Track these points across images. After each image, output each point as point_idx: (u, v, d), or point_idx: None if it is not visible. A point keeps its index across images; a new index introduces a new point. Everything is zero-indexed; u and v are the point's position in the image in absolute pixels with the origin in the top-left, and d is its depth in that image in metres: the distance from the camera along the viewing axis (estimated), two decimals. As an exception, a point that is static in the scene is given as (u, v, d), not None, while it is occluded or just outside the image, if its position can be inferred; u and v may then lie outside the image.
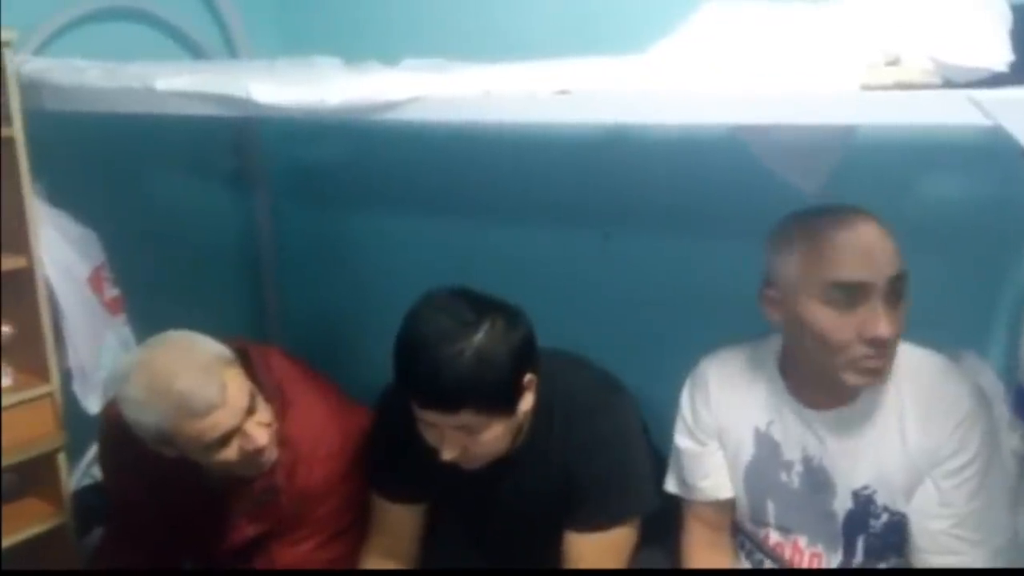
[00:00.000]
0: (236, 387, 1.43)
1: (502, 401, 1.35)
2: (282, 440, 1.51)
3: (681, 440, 1.48)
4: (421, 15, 1.96)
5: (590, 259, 1.84)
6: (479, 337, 1.31)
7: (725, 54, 1.25)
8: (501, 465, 1.43)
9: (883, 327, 1.21)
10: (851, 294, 1.23)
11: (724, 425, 1.44)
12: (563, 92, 1.24)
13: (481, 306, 1.35)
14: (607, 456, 1.43)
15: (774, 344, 1.41)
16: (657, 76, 1.22)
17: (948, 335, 1.47)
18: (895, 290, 1.23)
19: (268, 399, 1.51)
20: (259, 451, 1.46)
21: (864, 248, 1.23)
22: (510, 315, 1.36)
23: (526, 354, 1.37)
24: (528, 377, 1.38)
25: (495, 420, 1.35)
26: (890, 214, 1.44)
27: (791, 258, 1.29)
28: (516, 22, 1.81)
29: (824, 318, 1.25)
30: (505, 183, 1.84)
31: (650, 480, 1.48)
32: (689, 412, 1.47)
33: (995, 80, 1.10)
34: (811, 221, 1.29)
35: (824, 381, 1.32)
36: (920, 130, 1.25)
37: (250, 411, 1.45)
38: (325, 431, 1.55)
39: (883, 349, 1.23)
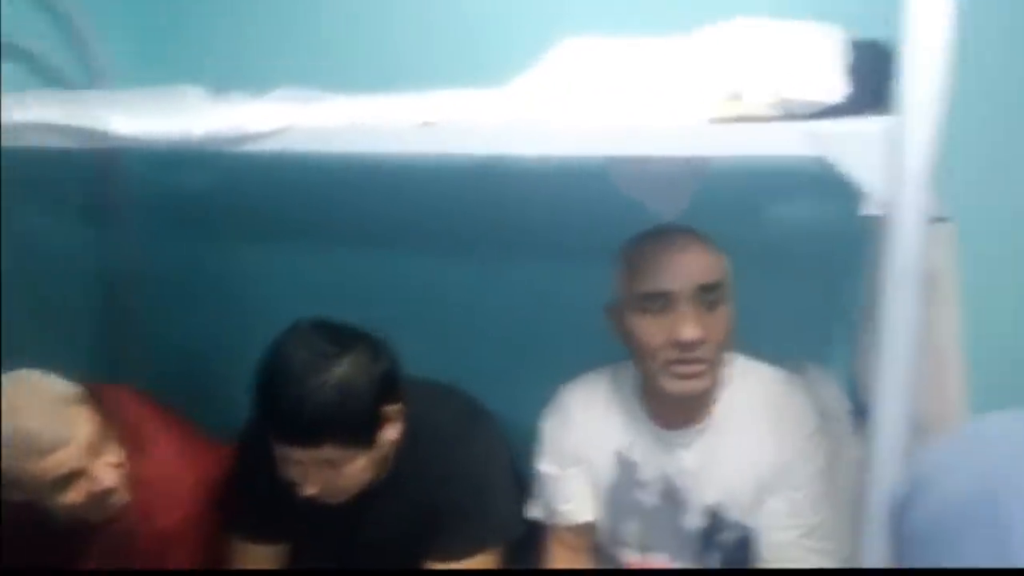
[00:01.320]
0: (83, 426, 1.39)
1: (365, 434, 1.35)
2: (136, 481, 1.46)
3: (543, 466, 1.51)
4: (289, 46, 1.94)
5: (459, 287, 1.86)
6: (341, 369, 1.31)
7: (582, 88, 1.31)
8: (365, 497, 1.42)
9: (689, 330, 1.29)
10: (660, 302, 1.32)
11: (585, 449, 1.47)
12: (427, 124, 1.26)
13: (343, 338, 1.35)
14: (468, 485, 1.45)
15: (633, 368, 1.46)
16: (518, 109, 1.26)
17: (795, 350, 1.58)
18: (706, 298, 1.32)
19: (119, 439, 1.46)
20: (106, 492, 1.41)
21: (671, 259, 1.33)
22: (373, 346, 1.36)
23: (389, 385, 1.37)
24: (392, 408, 1.38)
25: (358, 453, 1.34)
26: (742, 237, 1.53)
27: (617, 274, 1.38)
28: (383, 54, 1.82)
29: (640, 326, 1.34)
30: (373, 213, 1.84)
31: (512, 508, 1.50)
32: (550, 438, 1.50)
33: (832, 112, 1.19)
34: (635, 240, 1.39)
35: (667, 400, 1.38)
36: (771, 158, 1.34)
37: (97, 451, 1.40)
38: (182, 471, 1.51)
39: (692, 352, 1.31)
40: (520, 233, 1.77)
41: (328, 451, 1.31)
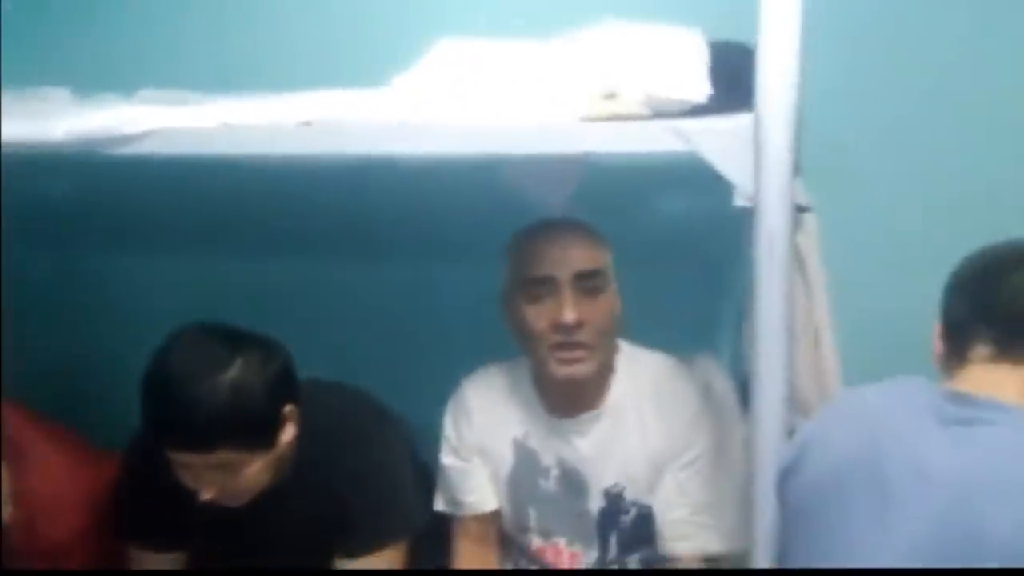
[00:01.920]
0: None
1: (260, 436, 1.33)
2: (22, 495, 1.41)
3: (446, 459, 1.54)
4: (158, 45, 1.88)
5: (353, 287, 1.84)
6: (233, 372, 1.29)
7: (460, 88, 1.32)
8: (266, 498, 1.40)
9: (568, 313, 1.36)
10: (543, 288, 1.38)
11: (485, 440, 1.51)
12: (305, 123, 1.25)
13: (233, 340, 1.33)
14: (371, 481, 1.45)
15: (528, 360, 1.49)
16: (397, 108, 1.26)
17: (685, 338, 1.64)
18: (586, 284, 1.38)
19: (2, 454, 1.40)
20: None
21: (553, 248, 1.39)
22: (265, 347, 1.34)
23: (284, 385, 1.36)
24: (288, 408, 1.37)
25: (255, 455, 1.33)
26: (632, 230, 1.59)
27: (505, 266, 1.44)
28: (258, 54, 1.79)
29: (524, 312, 1.40)
30: (255, 215, 1.81)
31: (416, 501, 1.51)
32: (452, 431, 1.53)
33: (697, 110, 1.24)
34: (522, 232, 1.44)
35: (557, 387, 1.43)
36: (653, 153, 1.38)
37: None
38: (65, 483, 1.46)
39: (574, 336, 1.37)
40: (408, 231, 1.78)
41: (223, 455, 1.29)
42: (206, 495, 1.32)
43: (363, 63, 1.51)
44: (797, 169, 1.63)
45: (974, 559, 0.95)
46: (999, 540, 0.95)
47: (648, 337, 1.56)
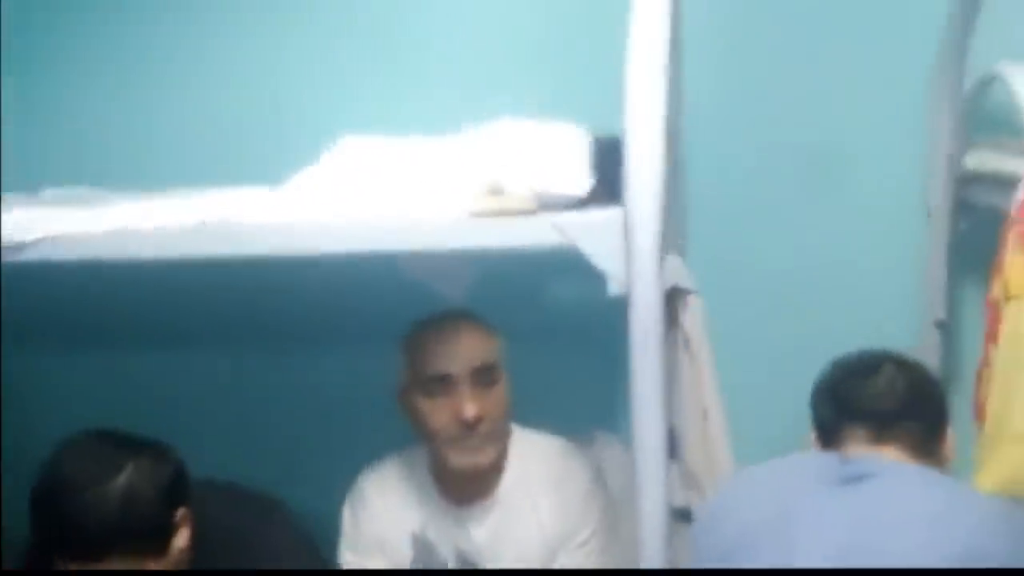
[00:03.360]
0: None
1: (153, 542, 1.31)
2: None
3: (346, 555, 1.54)
4: (64, 141, 1.90)
5: (246, 383, 1.85)
6: (124, 477, 1.27)
7: (355, 186, 1.38)
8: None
9: (468, 409, 1.41)
10: (441, 384, 1.43)
11: (384, 533, 1.52)
12: (199, 225, 1.28)
13: (124, 447, 1.32)
14: None
15: (424, 450, 1.52)
16: (291, 207, 1.31)
17: (586, 418, 1.70)
18: (483, 378, 1.44)
19: None
20: None
21: (449, 344, 1.45)
22: (157, 452, 1.34)
23: (177, 490, 1.35)
24: (181, 512, 1.36)
25: (147, 562, 1.30)
26: (526, 316, 1.64)
27: (402, 360, 1.48)
28: (153, 152, 1.83)
29: (423, 407, 1.44)
30: (148, 314, 1.81)
31: None
32: (350, 526, 1.54)
33: (582, 203, 1.32)
34: (415, 327, 1.49)
35: (456, 477, 1.46)
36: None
37: None
38: None
39: (474, 429, 1.42)
40: (312, 323, 1.81)
41: (115, 563, 1.26)
42: None
43: (264, 161, 1.56)
44: (682, 252, 1.76)
45: None
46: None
47: (550, 421, 1.60)
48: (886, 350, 1.33)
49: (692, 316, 1.65)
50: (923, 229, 1.73)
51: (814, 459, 1.26)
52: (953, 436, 1.30)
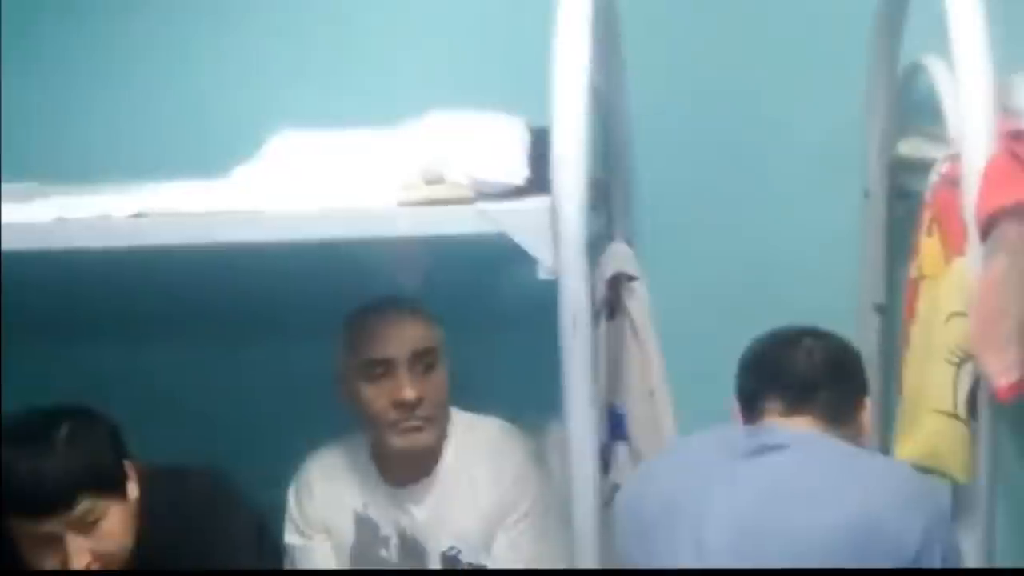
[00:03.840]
0: None
1: (113, 480, 1.35)
2: None
3: (290, 537, 1.58)
4: (8, 137, 1.91)
5: (192, 372, 1.87)
6: (65, 427, 1.32)
7: (295, 176, 1.41)
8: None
9: (407, 391, 1.45)
10: (381, 368, 1.47)
11: (327, 514, 1.56)
12: (138, 215, 1.31)
13: (56, 410, 1.37)
14: (219, 563, 1.44)
15: (364, 435, 1.56)
16: (230, 198, 1.34)
17: (539, 403, 1.71)
18: (422, 362, 1.48)
19: None
20: None
21: (388, 329, 1.48)
22: (89, 412, 1.39)
23: (119, 441, 1.40)
24: (128, 463, 1.40)
25: (113, 503, 1.34)
26: (478, 301, 1.66)
27: (341, 345, 1.51)
28: (103, 145, 1.85)
29: (364, 391, 1.47)
30: (107, 304, 1.83)
31: None
32: (295, 509, 1.58)
33: (518, 192, 1.35)
34: (355, 314, 1.52)
35: (396, 458, 1.50)
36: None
37: None
38: None
39: (412, 411, 1.46)
40: (248, 315, 1.83)
41: (84, 504, 1.29)
42: (79, 562, 1.31)
43: (207, 154, 1.58)
44: (629, 241, 1.79)
45: (784, 556, 1.13)
46: (798, 540, 1.14)
47: (503, 407, 1.64)
48: (808, 326, 1.36)
49: (637, 301, 1.70)
50: (861, 214, 1.76)
51: (726, 432, 1.31)
52: (870, 407, 1.34)
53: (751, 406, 1.31)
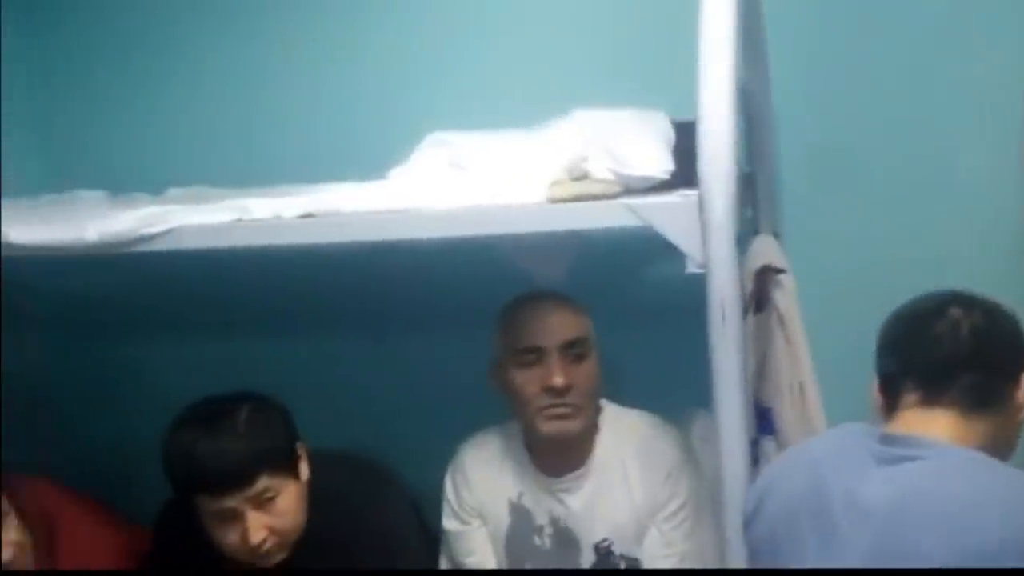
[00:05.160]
0: None
1: (288, 460, 1.46)
2: (51, 565, 1.54)
3: (447, 522, 1.64)
4: (185, 144, 2.07)
5: (358, 362, 1.98)
6: (244, 411, 1.44)
7: (447, 176, 1.47)
8: (279, 565, 1.49)
9: (557, 378, 1.48)
10: (533, 356, 1.51)
11: (483, 502, 1.61)
12: (308, 216, 1.40)
13: (234, 397, 1.48)
14: (380, 546, 1.52)
15: (519, 424, 1.60)
16: (389, 198, 1.41)
17: (689, 397, 1.70)
18: (572, 351, 1.51)
19: (29, 526, 1.54)
20: None
21: (541, 319, 1.53)
22: (262, 398, 1.49)
23: (290, 423, 1.50)
24: (299, 444, 1.50)
25: (288, 481, 1.44)
26: (624, 296, 1.68)
27: (496, 336, 1.56)
28: (270, 151, 1.98)
29: (516, 377, 1.52)
30: (268, 301, 1.96)
31: (423, 565, 1.60)
32: (452, 495, 1.63)
33: (663, 186, 1.36)
34: (510, 304, 1.57)
35: (547, 446, 1.53)
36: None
37: None
38: (97, 554, 1.58)
39: (562, 398, 1.49)
40: (405, 309, 1.91)
41: (261, 482, 1.40)
42: (255, 537, 1.40)
43: (365, 158, 1.66)
44: (776, 233, 1.77)
45: None
46: (928, 562, 1.04)
47: (652, 399, 1.65)
48: (958, 291, 1.21)
49: (785, 294, 1.67)
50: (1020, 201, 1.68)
51: (857, 435, 1.19)
52: None
53: (889, 392, 1.21)
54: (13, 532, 1.51)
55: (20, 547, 1.51)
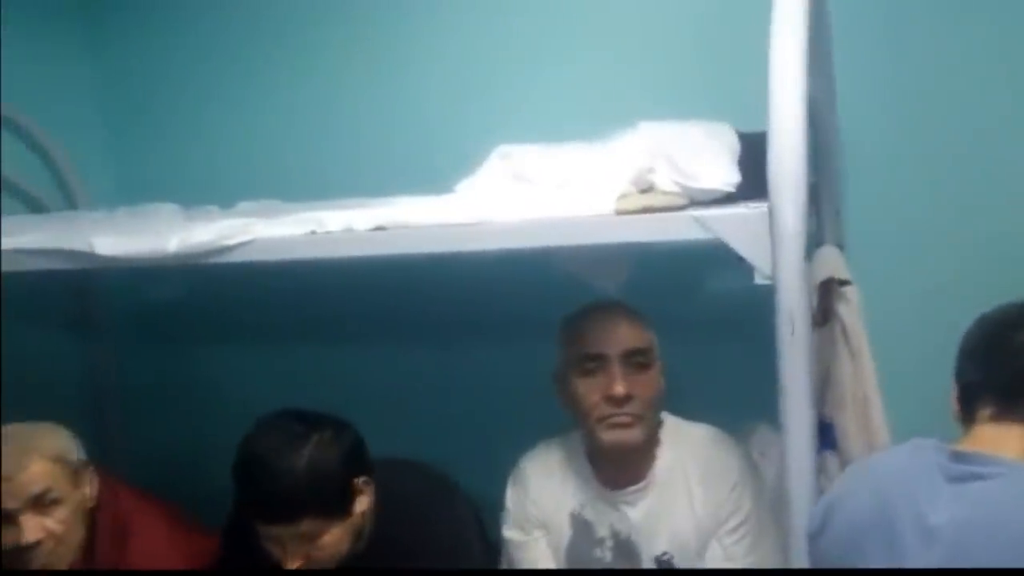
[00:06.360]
0: (34, 474, 1.51)
1: (338, 505, 1.47)
2: (123, 565, 1.58)
3: (508, 532, 1.64)
4: (253, 159, 2.13)
5: (423, 372, 2.01)
6: (309, 448, 1.44)
7: (514, 189, 1.49)
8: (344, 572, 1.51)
9: (618, 387, 1.48)
10: (593, 364, 1.51)
11: (544, 512, 1.61)
12: (379, 228, 1.43)
13: (308, 422, 1.49)
14: (441, 553, 1.55)
15: (580, 435, 1.60)
16: (457, 211, 1.43)
17: (748, 410, 1.70)
18: (634, 360, 1.52)
19: (100, 523, 1.58)
20: (26, 547, 1.50)
21: (603, 328, 1.53)
22: (337, 426, 1.50)
23: (356, 459, 1.50)
24: (360, 480, 1.50)
25: (333, 524, 1.46)
26: (683, 307, 1.69)
27: (560, 344, 1.57)
28: (340, 164, 2.03)
29: (578, 385, 1.52)
30: (337, 311, 2.00)
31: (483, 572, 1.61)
32: (513, 505, 1.64)
33: (729, 198, 1.37)
34: (573, 313, 1.58)
35: (608, 456, 1.53)
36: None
37: (39, 504, 1.51)
38: (165, 554, 1.62)
39: (623, 407, 1.49)
40: (470, 319, 1.94)
41: (306, 524, 1.42)
42: (292, 564, 1.45)
43: (433, 171, 1.70)
44: (840, 245, 1.76)
45: None
46: None
47: (713, 412, 1.65)
48: None
49: (849, 306, 1.66)
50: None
51: (927, 452, 1.18)
52: None
53: (966, 403, 1.20)
54: (53, 523, 1.53)
55: (56, 539, 1.53)
